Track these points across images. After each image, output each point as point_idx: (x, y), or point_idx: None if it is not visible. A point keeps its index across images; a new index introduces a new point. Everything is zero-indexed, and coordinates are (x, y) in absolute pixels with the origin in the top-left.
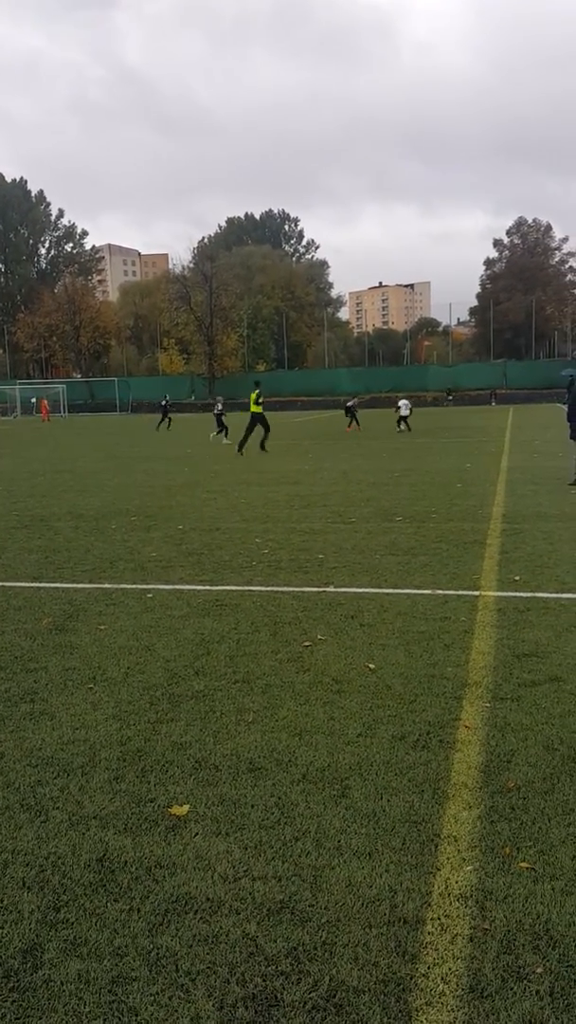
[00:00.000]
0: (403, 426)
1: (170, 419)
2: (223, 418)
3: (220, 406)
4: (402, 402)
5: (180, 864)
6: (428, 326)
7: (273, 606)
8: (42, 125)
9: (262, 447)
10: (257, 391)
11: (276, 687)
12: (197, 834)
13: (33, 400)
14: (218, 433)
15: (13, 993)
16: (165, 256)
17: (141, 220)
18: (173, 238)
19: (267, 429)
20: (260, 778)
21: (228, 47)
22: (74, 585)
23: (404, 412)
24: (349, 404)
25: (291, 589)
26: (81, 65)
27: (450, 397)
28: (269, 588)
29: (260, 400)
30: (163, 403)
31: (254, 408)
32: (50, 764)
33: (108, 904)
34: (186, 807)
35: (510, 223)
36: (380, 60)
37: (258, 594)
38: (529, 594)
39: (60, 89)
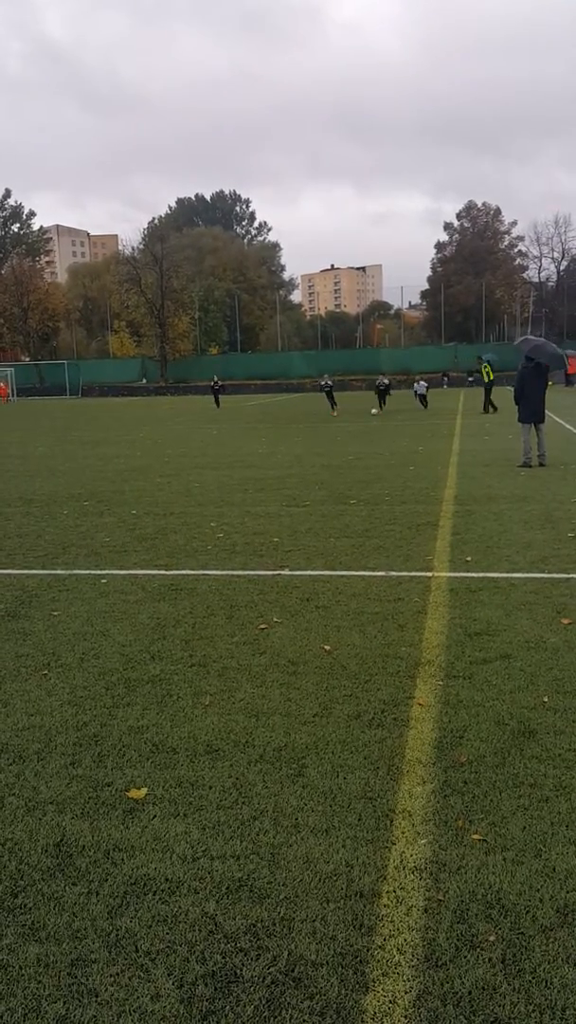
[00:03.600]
0: (421, 403)
1: (218, 400)
2: (333, 393)
3: (329, 382)
4: (420, 383)
5: (138, 846)
6: (380, 309)
7: (229, 590)
8: None
9: (487, 409)
10: (489, 366)
11: (233, 670)
12: (155, 816)
13: None
14: (333, 408)
15: None
16: (115, 237)
17: (76, 200)
18: (110, 218)
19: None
20: (217, 760)
21: (151, 24)
22: (26, 571)
23: (421, 391)
24: (378, 384)
25: (246, 573)
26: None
27: (445, 379)
28: (224, 572)
29: (491, 372)
30: (213, 385)
31: (489, 378)
32: (4, 751)
33: (66, 888)
34: (144, 790)
35: (449, 206)
36: (307, 39)
37: (213, 578)
38: (480, 574)
39: None
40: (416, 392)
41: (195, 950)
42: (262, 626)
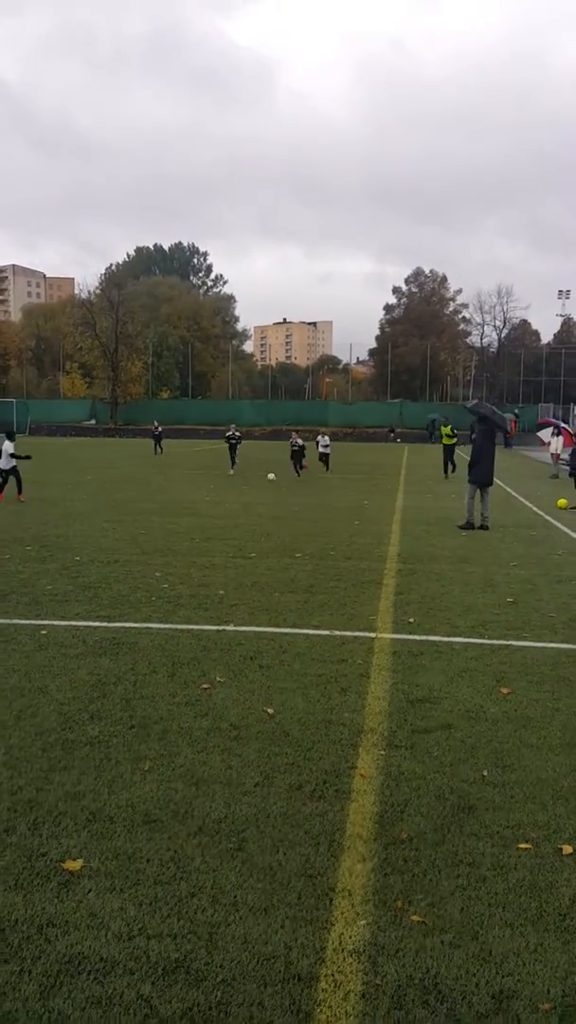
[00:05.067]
0: (322, 463)
1: (161, 447)
2: (238, 447)
3: (236, 433)
4: (322, 437)
5: (73, 922)
6: (329, 363)
7: (171, 645)
8: None
9: (447, 471)
10: (449, 426)
11: (173, 733)
12: (91, 890)
13: None
14: (232, 465)
15: None
16: (71, 280)
17: (28, 241)
18: (63, 260)
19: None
20: (156, 831)
21: (105, 76)
22: None
23: (323, 449)
24: (292, 444)
25: (190, 627)
26: None
27: (392, 433)
28: (168, 625)
29: (453, 433)
30: (154, 430)
31: (448, 440)
32: None
33: None
34: (79, 862)
35: (393, 269)
36: (258, 102)
37: (156, 632)
38: (423, 637)
39: None
40: (318, 448)
41: None
42: (204, 686)
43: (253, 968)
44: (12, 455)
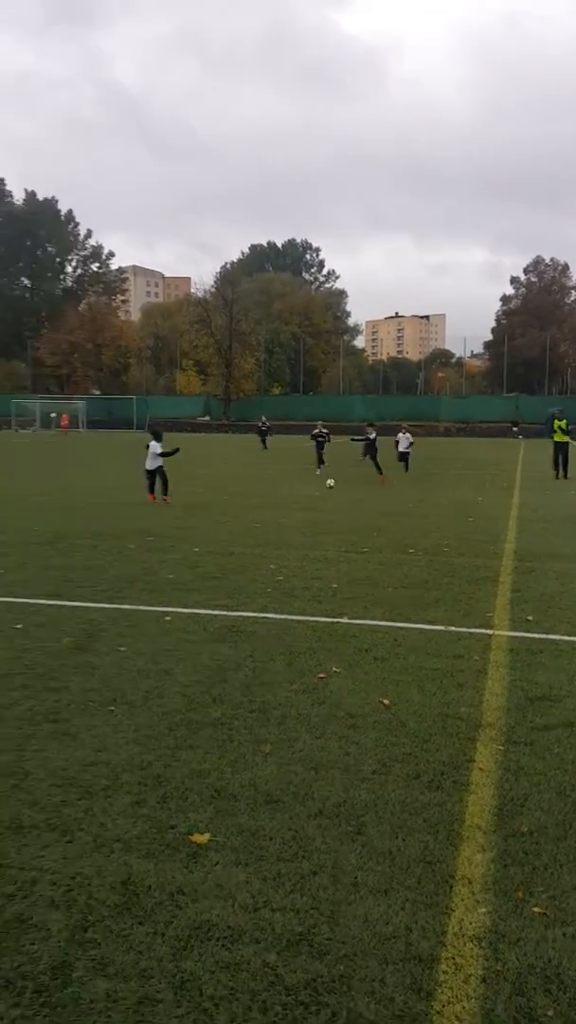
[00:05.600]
0: (402, 463)
1: (265, 441)
2: (325, 445)
3: (323, 430)
4: (403, 435)
5: (202, 891)
6: (442, 357)
7: (288, 635)
8: (32, 141)
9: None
10: (564, 420)
11: (292, 719)
12: (217, 863)
13: (53, 415)
14: (319, 465)
15: (44, 1008)
16: (187, 280)
17: (144, 241)
18: (177, 259)
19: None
20: (277, 811)
21: (219, 76)
22: (93, 605)
23: (403, 447)
24: (366, 437)
25: (305, 618)
26: (71, 83)
27: (515, 428)
28: (284, 616)
29: (568, 429)
30: (260, 426)
31: (560, 437)
32: (74, 785)
33: (133, 927)
34: (206, 835)
35: (507, 259)
36: (369, 93)
37: (273, 622)
38: (541, 635)
39: (50, 106)
40: (397, 448)
41: (257, 999)
42: (321, 675)
43: (374, 946)
44: (159, 454)
